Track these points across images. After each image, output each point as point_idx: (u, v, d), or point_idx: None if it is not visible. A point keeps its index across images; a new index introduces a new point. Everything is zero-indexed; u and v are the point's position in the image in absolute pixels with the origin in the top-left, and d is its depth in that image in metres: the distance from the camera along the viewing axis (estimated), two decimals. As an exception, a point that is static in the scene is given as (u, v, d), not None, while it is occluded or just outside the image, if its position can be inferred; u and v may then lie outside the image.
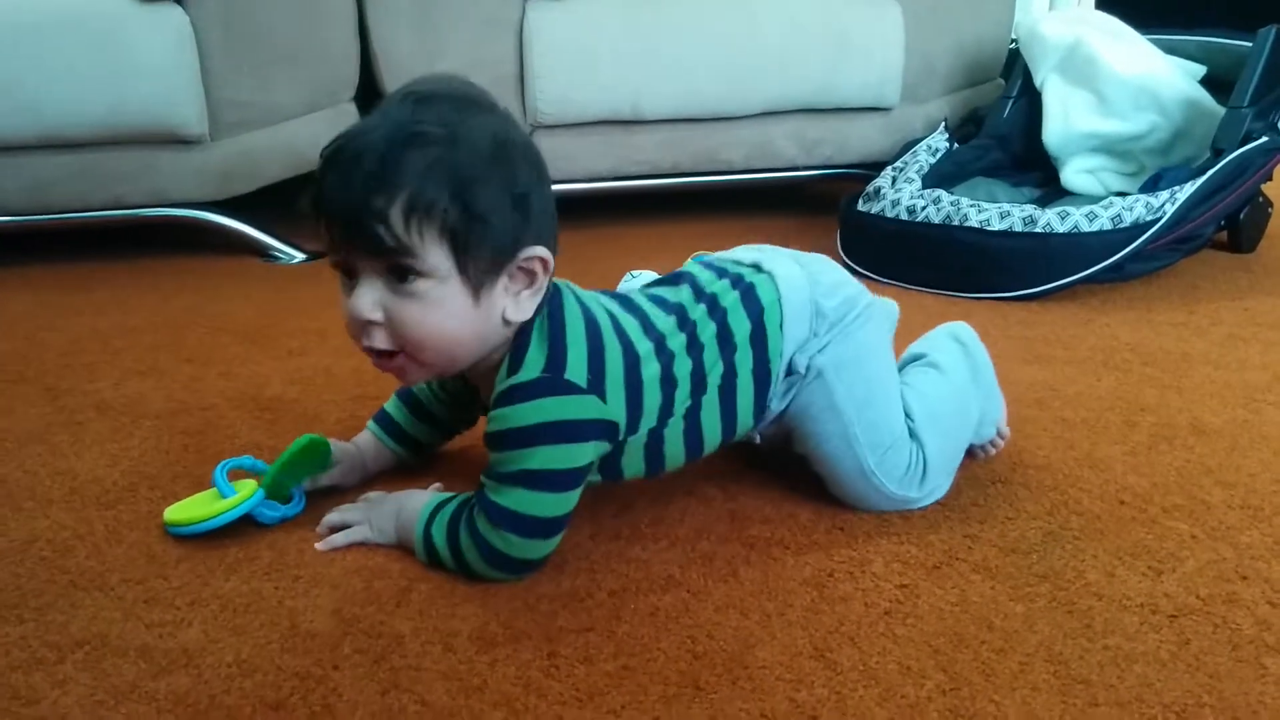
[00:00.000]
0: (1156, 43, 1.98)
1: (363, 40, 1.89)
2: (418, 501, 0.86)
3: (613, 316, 0.85)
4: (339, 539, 0.87)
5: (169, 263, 1.87)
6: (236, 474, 0.91)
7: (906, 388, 0.96)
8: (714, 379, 0.87)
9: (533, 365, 0.80)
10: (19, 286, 1.71)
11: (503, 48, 1.95)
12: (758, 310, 0.89)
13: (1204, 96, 1.90)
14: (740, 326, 0.88)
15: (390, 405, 1.01)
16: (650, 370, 0.84)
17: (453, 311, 0.77)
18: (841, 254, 1.86)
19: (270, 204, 1.93)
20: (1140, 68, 1.92)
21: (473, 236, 0.75)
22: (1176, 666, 0.71)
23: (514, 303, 0.79)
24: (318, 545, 0.87)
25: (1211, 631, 0.75)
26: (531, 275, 0.79)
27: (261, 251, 1.92)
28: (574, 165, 2.06)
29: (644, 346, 0.84)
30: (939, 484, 0.95)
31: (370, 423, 1.01)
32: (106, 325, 1.50)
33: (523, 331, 0.81)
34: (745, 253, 0.97)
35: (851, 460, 0.91)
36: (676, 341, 0.86)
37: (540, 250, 0.79)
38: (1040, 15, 2.18)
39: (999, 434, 1.04)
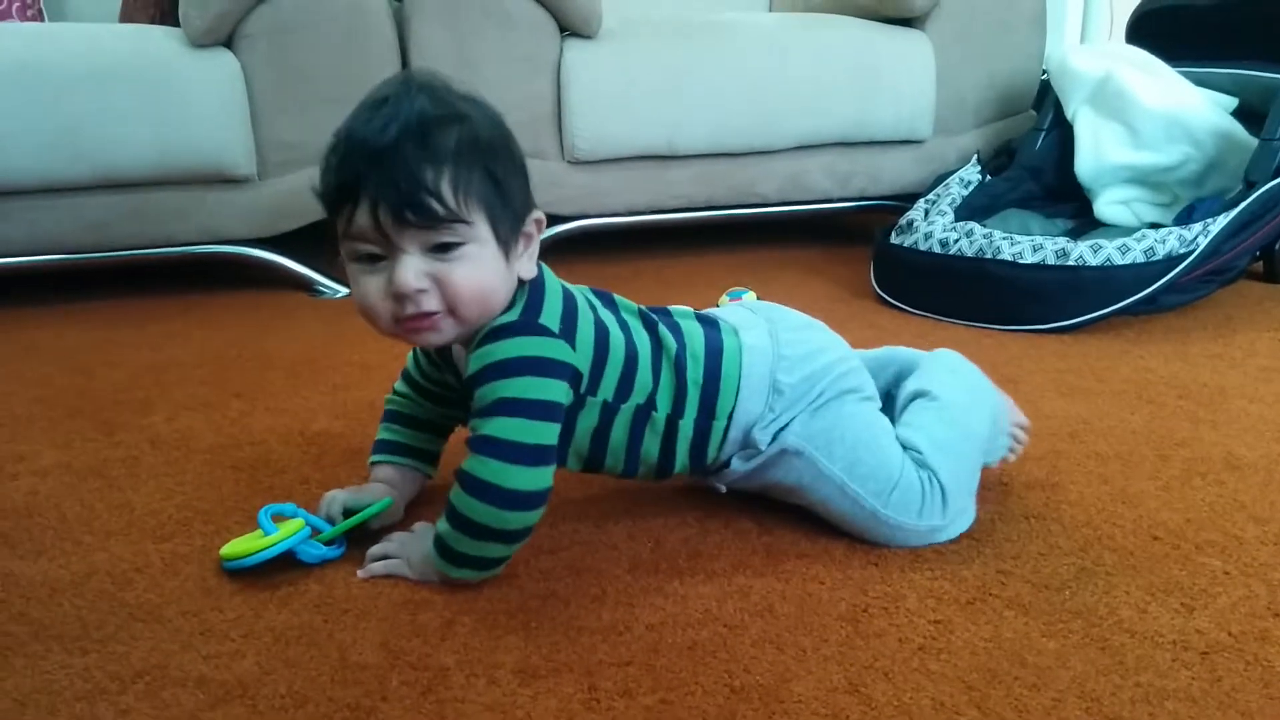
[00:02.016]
0: (1188, 75, 1.99)
1: (404, 81, 1.94)
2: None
3: (588, 297, 0.93)
4: (378, 568, 0.90)
5: (218, 298, 1.92)
6: (279, 518, 0.93)
7: (907, 427, 0.99)
8: (663, 404, 0.93)
9: (512, 312, 0.87)
10: (75, 322, 1.77)
11: (540, 86, 1.99)
12: (716, 369, 0.94)
13: (1236, 128, 1.90)
14: (695, 367, 0.93)
15: (385, 434, 1.04)
16: (616, 339, 0.90)
17: (493, 269, 0.84)
18: (875, 287, 1.88)
19: (316, 240, 1.98)
20: (1171, 100, 1.93)
21: (500, 202, 0.83)
22: (1209, 704, 0.72)
23: (524, 262, 0.88)
24: (359, 573, 0.90)
25: (1244, 669, 0.76)
26: (529, 237, 0.88)
27: (307, 286, 1.97)
28: (611, 200, 2.10)
29: (611, 322, 0.92)
30: (963, 507, 0.97)
31: (378, 458, 1.02)
32: (159, 360, 1.54)
33: None
34: (734, 311, 1.03)
35: (860, 511, 0.94)
36: (641, 339, 0.93)
37: (539, 212, 0.89)
38: (1071, 48, 2.19)
39: (1017, 431, 1.06)
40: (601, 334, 0.90)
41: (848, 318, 1.75)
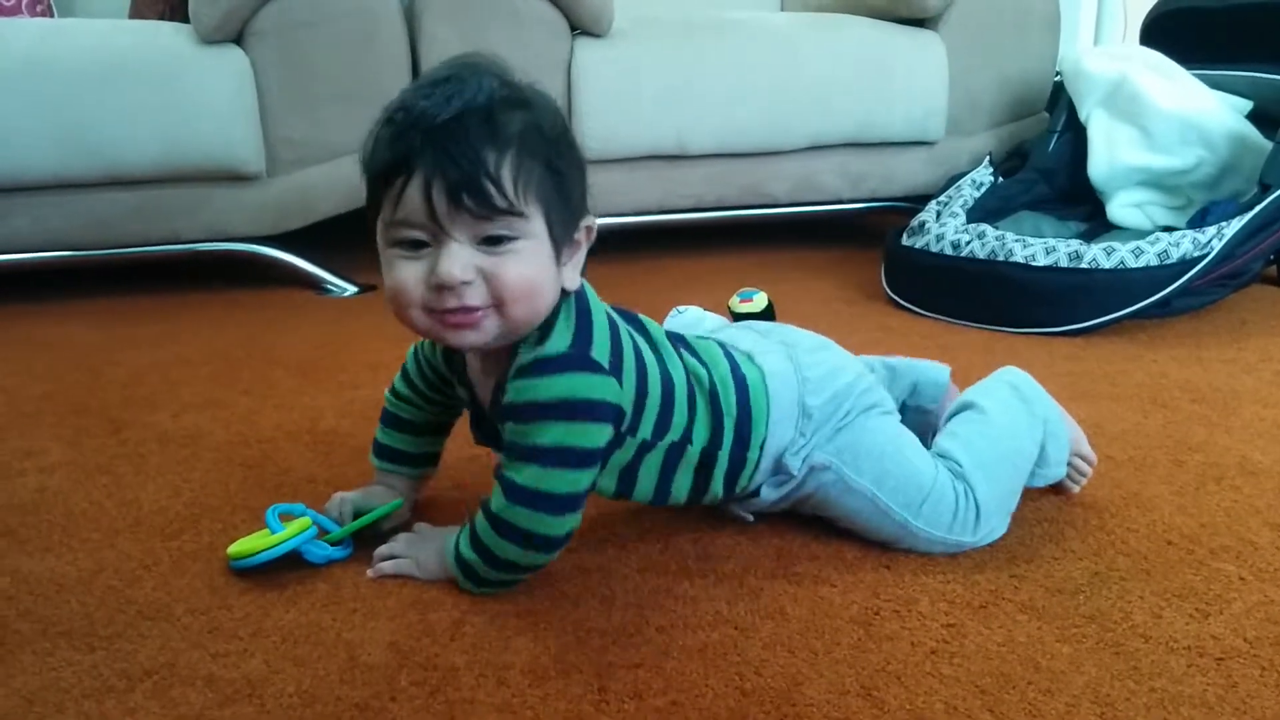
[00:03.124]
0: (1203, 78, 1.98)
1: (414, 79, 1.93)
2: (448, 534, 0.89)
3: (623, 322, 0.88)
4: (386, 567, 0.90)
5: (225, 296, 1.92)
6: (286, 517, 0.92)
7: (951, 437, 0.97)
8: (699, 438, 0.89)
9: (560, 339, 0.81)
10: (82, 320, 1.77)
11: (551, 85, 1.97)
12: (745, 398, 0.91)
13: (1251, 131, 1.89)
14: (728, 396, 0.90)
15: (386, 439, 1.00)
16: (653, 374, 0.86)
17: (544, 268, 0.79)
18: (886, 288, 1.87)
19: (324, 238, 1.98)
20: (1185, 103, 1.92)
21: (559, 197, 0.78)
22: (1224, 709, 0.71)
23: (569, 270, 0.82)
24: (369, 572, 0.89)
25: (1259, 674, 0.75)
26: (578, 245, 0.83)
27: (315, 285, 1.97)
28: (621, 199, 2.09)
29: (647, 351, 0.87)
30: (995, 526, 0.95)
31: (382, 465, 1.01)
32: (166, 358, 1.54)
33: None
34: (740, 335, 1.00)
35: (889, 523, 0.93)
36: (676, 369, 0.89)
37: (592, 218, 0.83)
38: (1085, 50, 2.18)
39: (1079, 463, 1.04)
40: (641, 368, 0.85)
41: (858, 319, 1.74)
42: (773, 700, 0.72)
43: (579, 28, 2.00)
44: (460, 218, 0.74)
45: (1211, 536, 0.96)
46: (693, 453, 0.89)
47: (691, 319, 1.37)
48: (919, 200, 2.07)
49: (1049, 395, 1.04)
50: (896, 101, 2.16)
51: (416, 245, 0.77)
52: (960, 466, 0.95)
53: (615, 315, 0.88)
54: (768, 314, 1.36)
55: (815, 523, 0.97)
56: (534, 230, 0.77)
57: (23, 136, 1.68)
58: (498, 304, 0.77)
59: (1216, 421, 1.25)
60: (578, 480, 0.82)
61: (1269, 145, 1.80)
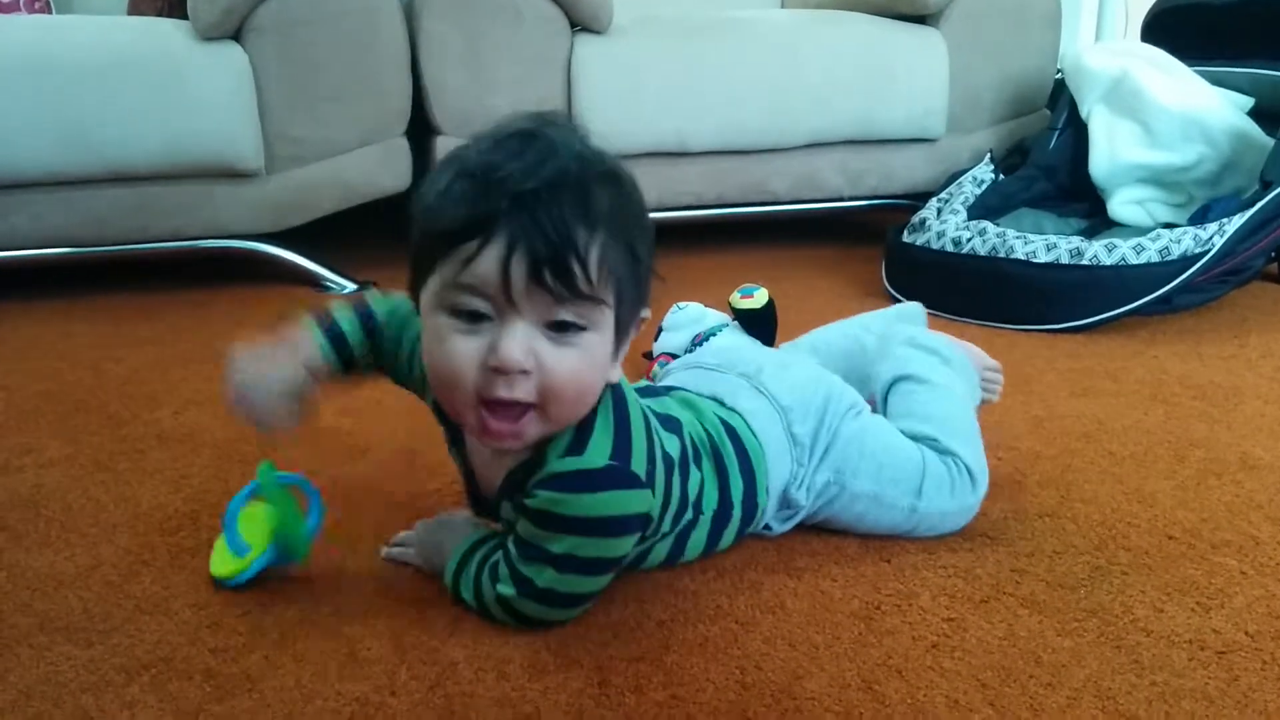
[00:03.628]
0: (1204, 75, 1.97)
1: (414, 77, 1.94)
2: (451, 544, 0.85)
3: (649, 412, 0.83)
4: (395, 553, 0.90)
5: (224, 293, 1.92)
6: (252, 511, 0.88)
7: (910, 418, 0.99)
8: (710, 505, 0.87)
9: (599, 450, 0.75)
10: (82, 316, 1.77)
11: (550, 82, 1.98)
12: (740, 445, 0.89)
13: (1252, 128, 1.89)
14: (729, 456, 0.88)
15: (346, 324, 0.88)
16: (677, 476, 0.83)
17: (600, 366, 0.73)
18: (887, 285, 1.87)
19: (323, 236, 1.98)
20: (1187, 99, 1.92)
21: (632, 287, 0.72)
22: (1225, 703, 0.71)
23: (616, 365, 0.76)
24: (381, 550, 0.90)
25: (1260, 668, 0.75)
26: (628, 338, 0.76)
27: (314, 282, 1.97)
28: (620, 197, 2.08)
29: (673, 448, 0.83)
30: (984, 477, 0.97)
31: (321, 335, 0.87)
32: (165, 355, 1.54)
33: None
34: (695, 378, 0.98)
35: (898, 513, 0.93)
36: (690, 455, 0.85)
37: (648, 310, 0.78)
38: (1086, 47, 2.18)
39: (989, 374, 1.10)
40: (668, 467, 0.81)
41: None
42: (773, 694, 0.72)
43: (579, 25, 1.99)
44: (536, 296, 0.67)
45: (1213, 531, 0.96)
46: (705, 520, 0.87)
47: (693, 315, 1.37)
48: (919, 198, 2.07)
49: (938, 332, 1.09)
50: (897, 99, 2.16)
51: (474, 317, 0.69)
52: (937, 440, 0.96)
53: (644, 406, 0.82)
54: (768, 310, 1.35)
55: (816, 517, 0.97)
56: (603, 322, 0.71)
57: (21, 133, 1.68)
58: (543, 403, 0.70)
59: (1217, 417, 1.24)
60: (595, 583, 0.80)
61: (1270, 142, 1.79)
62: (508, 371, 0.68)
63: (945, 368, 1.04)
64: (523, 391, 0.69)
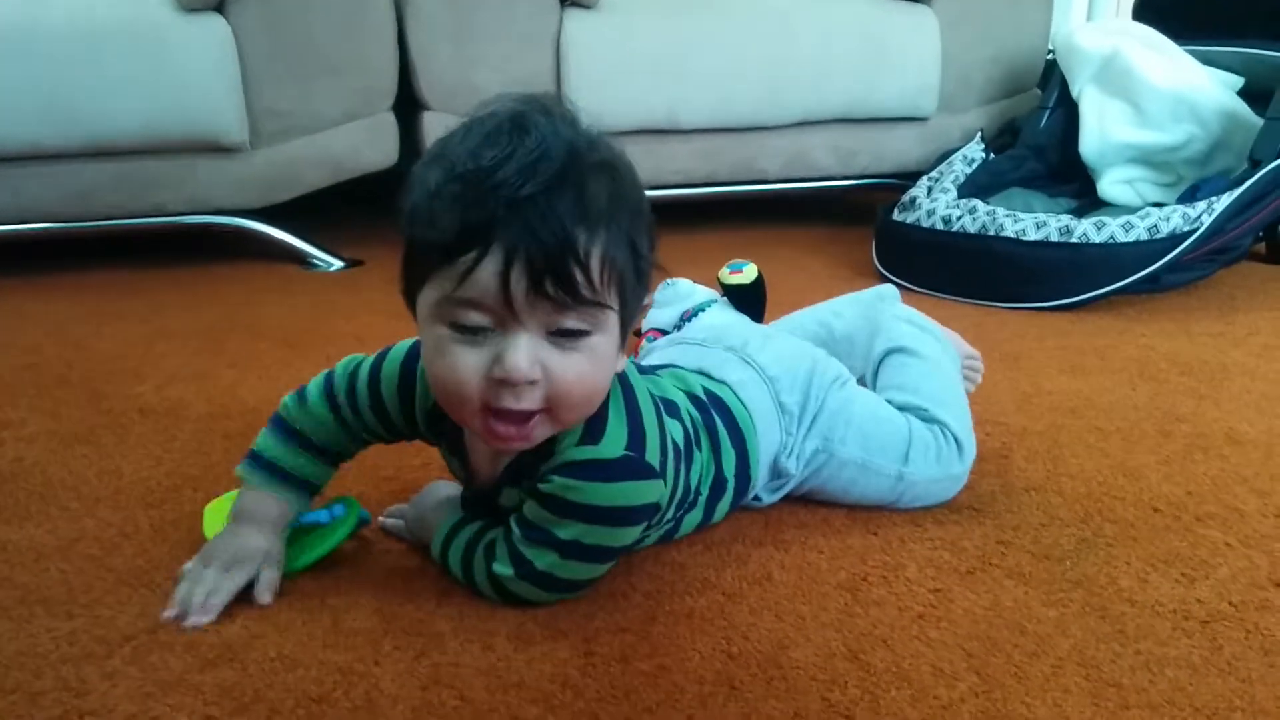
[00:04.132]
0: (1194, 54, 1.97)
1: (401, 51, 1.92)
2: (438, 515, 0.84)
3: (656, 399, 0.81)
4: (390, 524, 0.90)
5: (209, 269, 1.91)
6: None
7: (900, 389, 0.99)
8: (706, 484, 0.86)
9: (615, 440, 0.74)
10: (64, 293, 1.75)
11: (539, 58, 1.97)
12: (731, 418, 0.89)
13: (1242, 107, 1.89)
14: (721, 429, 0.88)
15: (271, 451, 0.83)
16: (683, 468, 0.82)
17: (607, 368, 0.71)
18: (877, 264, 1.86)
19: (308, 212, 1.96)
20: (1178, 79, 1.91)
21: (635, 283, 0.70)
22: (1209, 671, 0.71)
23: (621, 355, 0.75)
24: (378, 518, 0.90)
25: (1244, 637, 0.75)
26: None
27: (300, 259, 1.95)
28: (608, 175, 2.07)
29: (678, 435, 0.82)
30: (970, 448, 0.97)
31: (256, 474, 0.83)
32: (149, 331, 1.53)
33: None
34: (683, 353, 0.97)
35: (885, 480, 0.93)
36: (692, 440, 0.84)
37: (650, 297, 0.76)
38: (1077, 26, 2.18)
39: (971, 360, 1.12)
40: (677, 455, 0.80)
41: (847, 294, 1.73)
42: (759, 663, 0.72)
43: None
44: (539, 306, 0.65)
45: (1198, 504, 0.96)
46: (702, 500, 0.87)
47: (681, 292, 1.37)
48: (910, 177, 2.06)
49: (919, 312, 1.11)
50: (889, 77, 2.15)
51: (476, 330, 0.67)
52: (926, 409, 0.97)
53: (652, 391, 0.81)
54: (758, 285, 1.35)
55: (803, 491, 0.97)
56: (608, 324, 0.69)
57: (3, 106, 1.65)
58: (552, 408, 0.69)
59: (1204, 394, 1.25)
60: (594, 571, 0.79)
61: (1260, 122, 1.79)
62: (514, 384, 0.66)
63: (936, 344, 1.05)
64: (530, 401, 0.68)
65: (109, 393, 1.26)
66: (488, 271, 0.64)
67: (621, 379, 0.77)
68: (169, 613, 0.76)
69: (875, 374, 1.04)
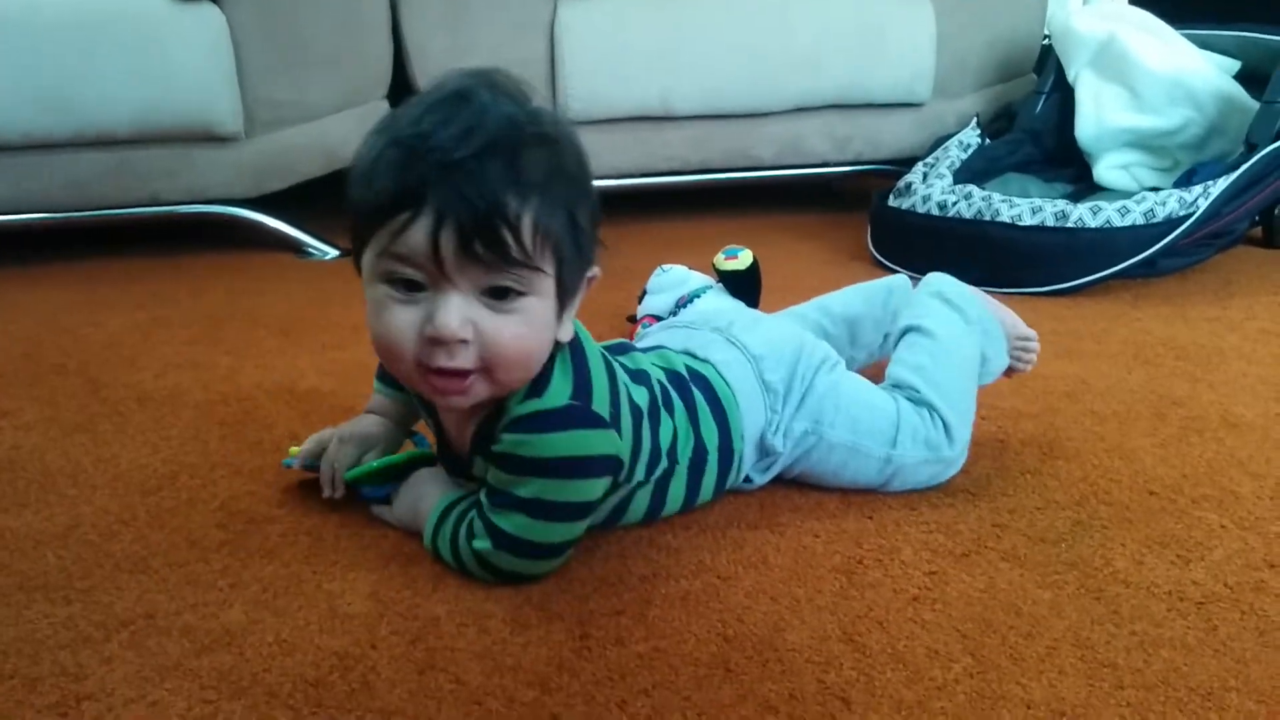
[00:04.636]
0: (1191, 37, 1.97)
1: (395, 40, 1.91)
2: (427, 503, 0.85)
3: (616, 363, 0.84)
4: (378, 510, 0.90)
5: (205, 258, 1.90)
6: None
7: (901, 365, 1.00)
8: (685, 453, 0.87)
9: (559, 392, 0.76)
10: (60, 282, 1.75)
11: (534, 46, 1.96)
12: (713, 394, 0.90)
13: (1238, 91, 1.88)
14: (702, 405, 0.88)
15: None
16: (647, 424, 0.83)
17: (544, 329, 0.73)
18: (872, 250, 1.86)
19: (303, 201, 1.96)
20: (1174, 63, 1.91)
21: (574, 249, 0.72)
22: (1204, 651, 0.71)
23: (565, 324, 0.76)
24: (374, 509, 0.90)
25: (1239, 618, 0.75)
26: (576, 296, 0.77)
27: (295, 248, 1.95)
28: (603, 161, 2.06)
29: (642, 398, 0.83)
30: (964, 434, 0.97)
31: (383, 387, 0.96)
32: (145, 319, 1.53)
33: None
34: (670, 336, 0.98)
35: (874, 463, 0.93)
36: (660, 403, 0.85)
37: (597, 269, 0.78)
38: (1073, 11, 2.17)
39: (1023, 343, 1.09)
40: (636, 413, 0.81)
41: (844, 281, 1.72)
42: (754, 646, 0.72)
43: (562, -13, 1.97)
44: (468, 266, 0.67)
45: (1193, 486, 0.96)
46: (681, 469, 0.87)
47: (676, 278, 1.37)
48: (905, 163, 2.05)
49: (975, 293, 1.08)
50: (884, 63, 2.14)
51: (411, 286, 0.69)
52: (918, 392, 0.97)
53: (607, 354, 0.83)
54: (753, 271, 1.35)
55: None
56: (543, 286, 0.71)
57: (-2, 95, 1.65)
58: (488, 368, 0.71)
59: (1200, 377, 1.25)
60: (570, 530, 0.79)
61: (1256, 105, 1.79)
62: (445, 342, 0.69)
63: (962, 326, 1.03)
64: (464, 360, 0.70)
65: (106, 381, 1.26)
66: (419, 231, 0.66)
67: (573, 342, 0.79)
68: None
69: (895, 348, 1.04)
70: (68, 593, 0.79)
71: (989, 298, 1.11)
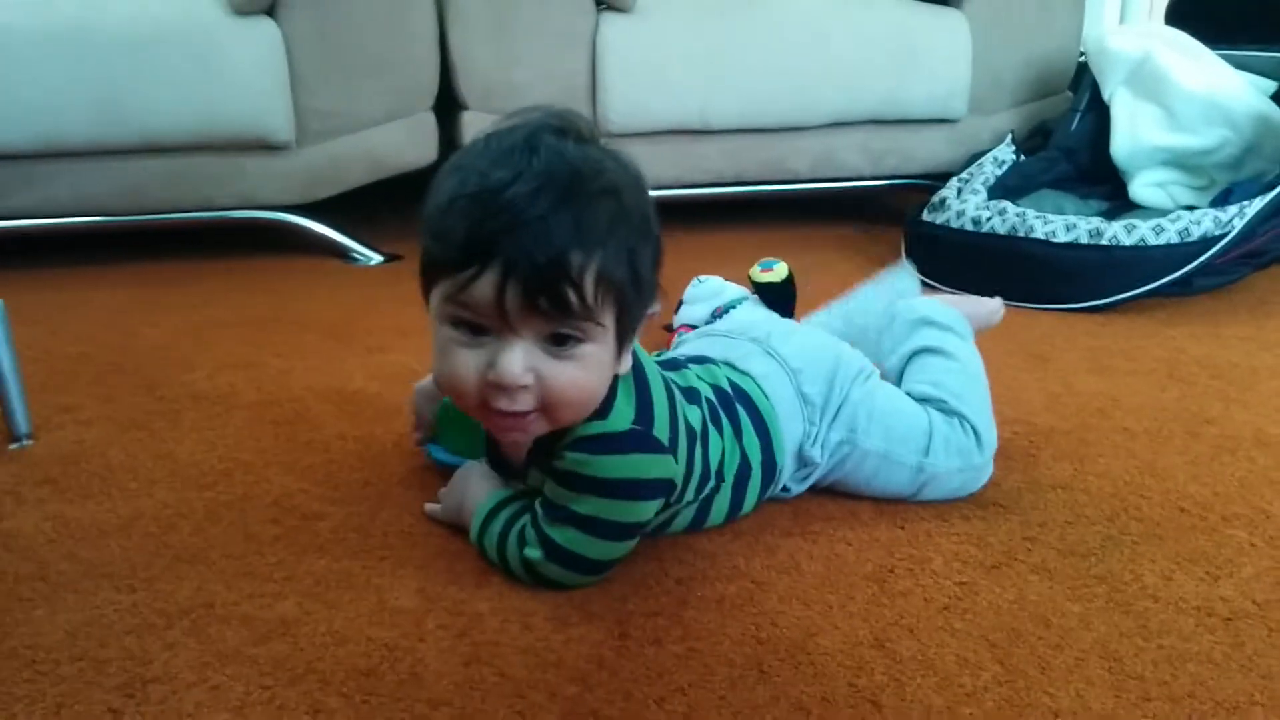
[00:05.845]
0: (1227, 58, 1.97)
1: (442, 52, 1.96)
2: (474, 501, 0.88)
3: (673, 384, 0.86)
4: (430, 509, 0.93)
5: (255, 263, 1.95)
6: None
7: (923, 383, 1.02)
8: (731, 470, 0.89)
9: (622, 416, 0.79)
10: (116, 283, 1.80)
11: (576, 59, 2.00)
12: (753, 408, 0.92)
13: (1275, 112, 1.88)
14: (744, 419, 0.91)
15: None
16: (699, 450, 0.86)
17: (603, 372, 0.76)
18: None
19: (350, 208, 2.01)
20: (1209, 82, 1.91)
21: (635, 300, 0.74)
22: (1230, 667, 0.73)
23: (626, 357, 0.79)
24: (425, 507, 0.94)
25: (1266, 635, 0.77)
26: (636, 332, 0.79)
27: (342, 253, 2.00)
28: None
29: (695, 419, 0.86)
30: (993, 443, 1.00)
31: None
32: (199, 321, 1.57)
33: None
34: (710, 344, 1.01)
35: (907, 471, 0.96)
36: (709, 422, 0.88)
37: (658, 306, 0.80)
38: (1109, 29, 2.18)
39: (989, 316, 1.17)
40: (691, 436, 0.84)
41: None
42: (787, 649, 0.75)
43: (604, 2, 2.00)
44: (532, 318, 0.70)
45: (1224, 505, 0.97)
46: (726, 486, 0.90)
47: (712, 289, 1.39)
48: (940, 178, 2.07)
49: (945, 300, 1.14)
50: (920, 79, 2.16)
51: (476, 330, 0.72)
52: (946, 403, 0.99)
53: (666, 376, 0.86)
54: (788, 283, 1.38)
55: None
56: (603, 336, 0.73)
57: (62, 104, 1.71)
58: (546, 409, 0.74)
59: (1233, 396, 1.26)
60: (619, 548, 0.82)
61: (1293, 126, 1.79)
62: (507, 388, 0.72)
63: (962, 342, 1.07)
64: (523, 404, 0.73)
65: (162, 379, 1.30)
66: (485, 285, 0.69)
67: (635, 365, 0.81)
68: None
69: (903, 371, 1.06)
70: (132, 581, 0.83)
71: (939, 300, 1.15)
